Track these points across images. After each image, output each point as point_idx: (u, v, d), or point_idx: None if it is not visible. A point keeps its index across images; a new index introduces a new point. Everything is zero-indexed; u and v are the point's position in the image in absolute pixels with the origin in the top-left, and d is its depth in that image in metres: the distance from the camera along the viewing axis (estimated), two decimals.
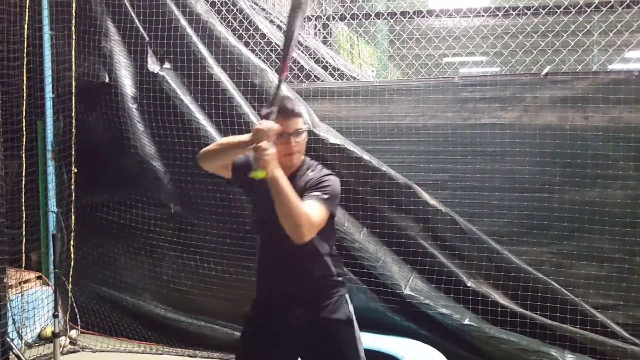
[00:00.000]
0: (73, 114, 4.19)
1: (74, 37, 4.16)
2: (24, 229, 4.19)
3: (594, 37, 4.36)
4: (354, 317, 2.20)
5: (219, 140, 2.26)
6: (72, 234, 4.25)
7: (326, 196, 2.03)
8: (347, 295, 2.23)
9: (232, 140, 2.10)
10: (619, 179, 3.29)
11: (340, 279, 2.22)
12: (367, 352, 3.21)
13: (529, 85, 3.45)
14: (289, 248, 2.02)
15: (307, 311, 2.13)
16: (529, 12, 3.90)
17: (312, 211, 1.95)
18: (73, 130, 4.20)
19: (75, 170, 4.19)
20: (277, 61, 3.94)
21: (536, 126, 3.42)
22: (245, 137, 1.99)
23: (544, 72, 3.45)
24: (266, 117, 1.93)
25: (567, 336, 3.24)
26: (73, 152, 4.20)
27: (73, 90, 4.18)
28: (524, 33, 3.88)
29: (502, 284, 3.41)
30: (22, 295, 4.09)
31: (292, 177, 2.11)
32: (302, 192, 2.03)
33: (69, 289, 4.28)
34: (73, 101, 4.19)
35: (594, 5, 3.79)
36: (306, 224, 1.91)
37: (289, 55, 2.08)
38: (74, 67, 4.17)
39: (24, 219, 4.19)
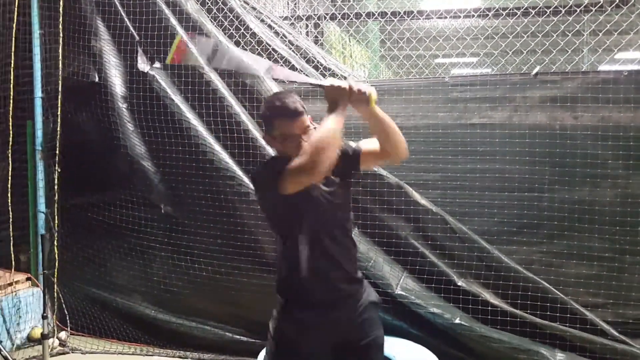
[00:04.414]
0: (59, 112, 4.16)
1: (60, 35, 4.13)
2: (11, 230, 4.16)
3: (584, 38, 4.39)
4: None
5: (321, 137, 1.89)
6: (56, 235, 4.22)
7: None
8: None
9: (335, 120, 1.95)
10: (609, 178, 3.30)
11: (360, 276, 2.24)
12: None
13: (519, 85, 3.45)
14: (335, 246, 2.09)
15: (346, 308, 2.13)
16: (518, 13, 3.91)
17: None
18: (58, 129, 4.16)
19: (59, 170, 4.16)
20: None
21: (526, 126, 3.43)
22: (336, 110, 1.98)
23: (534, 72, 3.46)
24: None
25: (557, 335, 3.25)
26: (57, 152, 4.17)
27: (59, 89, 4.15)
28: (514, 33, 3.89)
29: (493, 283, 3.41)
30: (11, 296, 4.06)
31: None
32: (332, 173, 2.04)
33: (57, 290, 4.25)
34: (59, 100, 4.15)
35: (584, 5, 3.80)
36: None
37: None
38: (61, 66, 4.14)
39: (10, 219, 4.15)
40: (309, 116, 2.06)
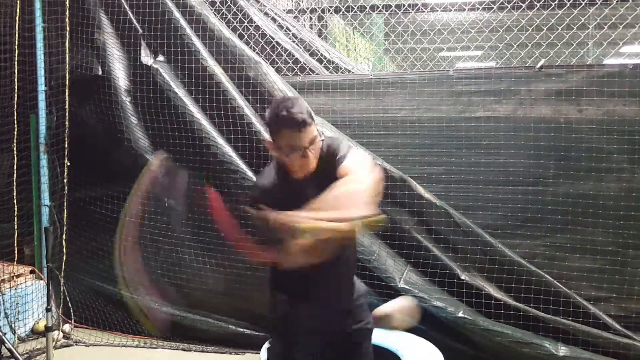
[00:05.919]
0: (66, 106, 4.16)
1: (67, 29, 4.13)
2: (15, 223, 4.16)
3: (589, 31, 4.37)
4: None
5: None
6: (65, 228, 4.23)
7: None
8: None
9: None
10: (613, 172, 3.30)
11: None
12: None
13: (524, 78, 3.45)
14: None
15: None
16: (523, 5, 3.89)
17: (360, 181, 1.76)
18: (66, 123, 4.17)
19: (68, 164, 4.16)
20: (272, 53, 3.92)
21: (531, 119, 3.42)
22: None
23: (539, 65, 3.45)
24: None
25: (560, 328, 3.25)
26: (66, 146, 4.17)
27: (66, 83, 4.14)
28: (519, 26, 3.87)
29: (496, 276, 3.41)
30: (15, 289, 4.07)
31: (315, 174, 1.93)
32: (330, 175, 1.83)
33: (62, 283, 4.26)
34: (66, 94, 4.16)
35: None
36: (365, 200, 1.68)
37: None
38: (67, 59, 4.14)
39: (15, 212, 4.16)
40: (316, 124, 1.90)
